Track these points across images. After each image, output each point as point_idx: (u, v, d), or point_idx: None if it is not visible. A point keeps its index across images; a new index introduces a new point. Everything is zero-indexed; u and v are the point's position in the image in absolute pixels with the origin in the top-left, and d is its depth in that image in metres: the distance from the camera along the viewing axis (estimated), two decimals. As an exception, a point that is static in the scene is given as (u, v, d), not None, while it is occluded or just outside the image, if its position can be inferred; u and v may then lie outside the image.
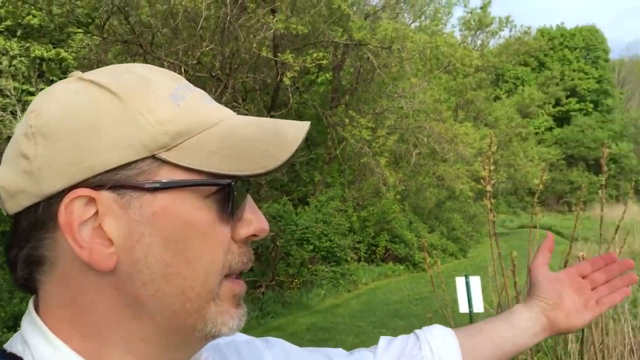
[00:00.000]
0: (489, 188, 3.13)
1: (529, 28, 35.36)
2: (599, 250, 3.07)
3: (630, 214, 4.12)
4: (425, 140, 16.58)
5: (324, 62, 11.79)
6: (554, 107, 45.12)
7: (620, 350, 3.57)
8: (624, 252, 9.31)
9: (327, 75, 15.62)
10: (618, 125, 44.96)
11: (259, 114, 12.54)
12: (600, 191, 3.14)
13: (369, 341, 4.28)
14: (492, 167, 3.22)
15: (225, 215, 0.57)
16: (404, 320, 8.80)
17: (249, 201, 0.62)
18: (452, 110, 23.22)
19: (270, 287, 10.12)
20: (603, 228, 3.69)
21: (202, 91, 0.62)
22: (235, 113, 0.64)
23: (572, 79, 45.49)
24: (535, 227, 4.61)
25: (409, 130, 16.25)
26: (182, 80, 0.62)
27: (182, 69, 9.77)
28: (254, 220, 0.61)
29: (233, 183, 0.56)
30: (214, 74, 10.57)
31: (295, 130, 0.61)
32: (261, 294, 9.75)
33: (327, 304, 10.58)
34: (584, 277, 1.02)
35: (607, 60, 49.02)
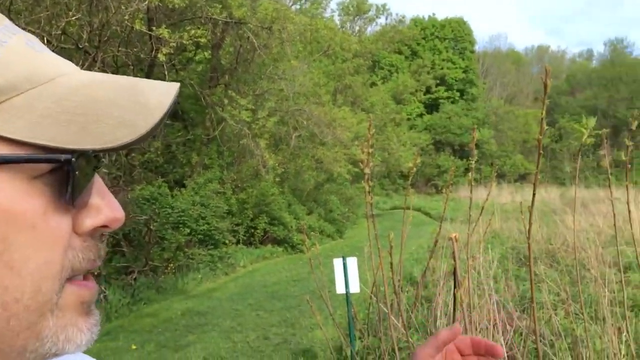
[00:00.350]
0: (367, 170, 3.15)
1: (403, 17, 36.90)
2: (468, 230, 3.20)
3: (490, 195, 4.36)
4: (305, 123, 16.71)
5: (202, 40, 11.39)
6: (424, 94, 47.50)
7: (486, 324, 3.79)
8: (489, 232, 9.97)
9: (205, 53, 15.13)
10: (481, 113, 48.32)
11: (132, 91, 11.87)
12: (469, 174, 3.26)
13: (246, 324, 4.22)
14: (370, 150, 3.24)
15: (63, 201, 0.42)
16: (282, 301, 8.83)
17: (98, 183, 0.47)
18: (331, 94, 23.60)
19: (143, 272, 9.68)
20: (467, 209, 3.85)
21: (33, 36, 0.46)
22: (79, 68, 0.50)
23: (442, 68, 48.15)
24: (408, 208, 4.76)
25: (289, 112, 16.27)
26: (5, 20, 0.45)
27: (45, 39, 8.94)
28: (103, 207, 0.46)
29: (74, 159, 0.41)
30: (81, 46, 9.81)
31: (159, 93, 0.47)
32: (133, 280, 9.30)
33: (203, 288, 10.35)
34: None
35: (472, 52, 52.42)
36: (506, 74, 62.86)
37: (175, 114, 15.66)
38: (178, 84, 0.51)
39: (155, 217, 10.37)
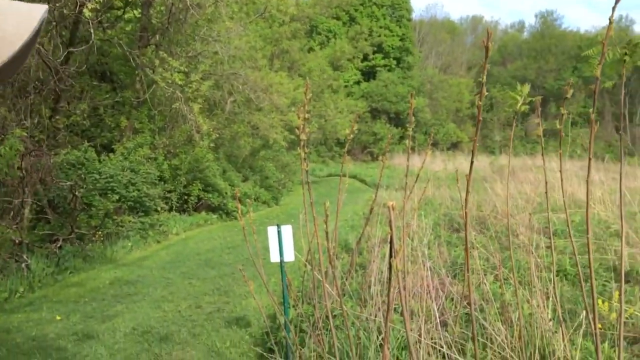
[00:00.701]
0: (303, 137, 3.03)
1: (342, -18, 36.37)
2: (403, 198, 3.16)
3: (425, 163, 4.36)
4: (241, 88, 16.34)
5: (132, -4, 10.81)
6: (362, 61, 47.51)
7: (419, 290, 3.80)
8: (423, 199, 10.11)
9: (135, 12, 14.38)
10: (416, 82, 48.91)
11: (55, 50, 11.18)
12: (406, 141, 3.19)
13: (178, 293, 4.04)
14: (306, 116, 3.13)
15: None
16: (216, 269, 8.69)
17: None
18: (268, 59, 23.20)
19: (69, 240, 9.26)
20: (402, 176, 3.82)
21: None
22: None
23: (379, 35, 48.15)
24: (344, 175, 4.69)
25: (224, 76, 15.85)
26: None
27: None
28: None
29: None
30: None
31: (19, 21, 0.36)
32: (58, 249, 8.88)
33: (134, 256, 10.05)
34: None
35: (409, 20, 52.61)
36: (441, 43, 63.64)
37: (103, 74, 14.92)
38: (46, 6, 0.38)
39: (82, 183, 9.91)
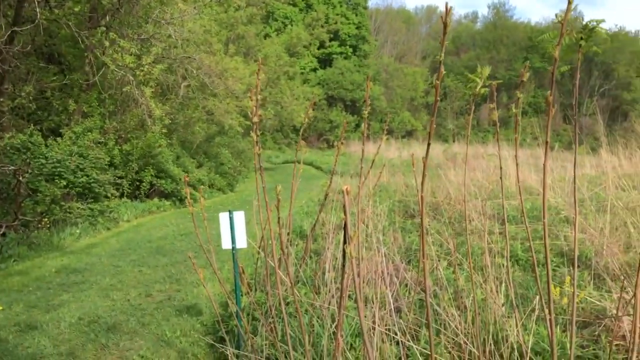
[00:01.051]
0: (255, 119, 2.94)
1: (299, -33, 36.05)
2: (359, 184, 3.11)
3: (380, 150, 4.34)
4: (195, 72, 16.01)
5: (79, -25, 10.36)
6: (318, 49, 47.36)
7: (373, 276, 3.77)
8: (378, 185, 10.12)
9: (85, -8, 13.83)
10: (372, 70, 49.12)
11: (-3, 28, 10.63)
12: (361, 128, 3.14)
13: (127, 281, 3.86)
14: (259, 98, 3.03)
15: None
16: (167, 257, 8.50)
17: None
18: (223, 43, 22.81)
19: (12, 227, 8.88)
20: (357, 163, 3.77)
21: None
22: None
23: (336, 23, 48.06)
24: (299, 162, 4.61)
25: (178, 60, 15.46)
26: None
27: None
28: None
29: None
30: None
31: None
32: (1, 236, 8.51)
33: (82, 244, 9.73)
34: None
35: (365, 8, 52.72)
36: (397, 32, 64.08)
37: (50, 56, 14.34)
38: None
39: (27, 168, 9.50)
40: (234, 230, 4.22)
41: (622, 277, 3.88)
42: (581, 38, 2.34)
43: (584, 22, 2.43)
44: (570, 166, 10.90)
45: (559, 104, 54.56)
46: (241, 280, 3.75)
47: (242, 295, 4.47)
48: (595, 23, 2.35)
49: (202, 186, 15.93)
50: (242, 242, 4.26)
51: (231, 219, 4.21)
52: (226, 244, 4.26)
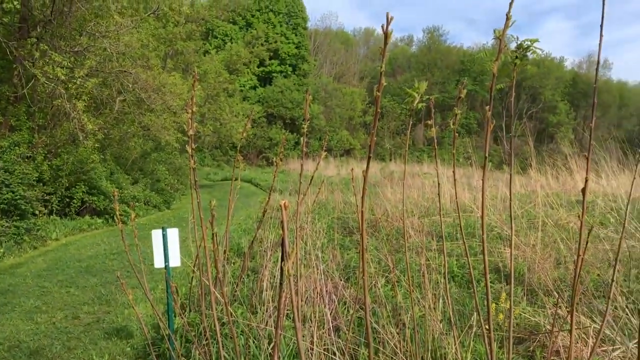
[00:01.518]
0: (191, 132, 2.85)
1: (239, -14, 36.09)
2: (297, 199, 3.06)
3: (318, 168, 4.33)
4: (131, 87, 15.60)
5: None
6: (258, 67, 47.38)
7: (311, 294, 3.71)
8: (316, 202, 10.10)
9: (14, 2, 13.28)
10: (312, 89, 49.53)
11: None
12: (300, 146, 3.11)
13: (53, 302, 3.60)
14: (196, 112, 2.95)
15: None
16: (97, 276, 8.13)
17: None
18: (161, 59, 22.44)
19: None
20: (296, 181, 3.73)
21: None
22: None
23: (276, 42, 48.34)
24: (236, 179, 4.52)
25: (113, 74, 15.03)
26: None
27: None
28: None
29: None
30: None
31: None
32: None
33: (6, 263, 9.18)
34: None
35: (305, 28, 53.28)
36: (336, 52, 65.00)
37: (-25, 67, 13.63)
38: None
39: (-55, 184, 8.93)
40: (167, 248, 4.07)
41: (556, 293, 3.98)
42: (516, 57, 2.39)
43: (519, 42, 2.49)
44: (501, 185, 11.23)
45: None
46: (174, 301, 3.61)
47: (175, 316, 4.31)
48: (529, 42, 2.41)
49: (137, 203, 15.48)
50: (175, 261, 4.10)
51: (164, 236, 4.05)
52: (159, 263, 4.09)
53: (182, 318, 3.49)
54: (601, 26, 2.13)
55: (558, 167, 12.60)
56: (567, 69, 67.44)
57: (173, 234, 4.10)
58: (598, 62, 2.15)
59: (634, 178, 2.37)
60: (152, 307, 5.25)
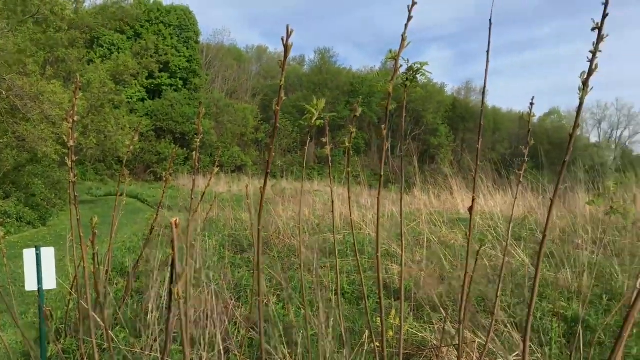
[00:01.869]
0: (71, 143, 2.64)
1: (127, -5, 34.91)
2: (188, 218, 2.93)
3: (210, 184, 4.21)
4: (5, 94, 14.50)
5: None
6: (147, 79, 45.93)
7: (201, 315, 3.57)
8: (207, 220, 9.83)
9: None
10: (203, 104, 48.74)
11: None
12: (190, 162, 2.99)
13: None
14: (77, 123, 2.75)
15: None
16: (-40, 301, 7.34)
17: None
18: (40, 65, 21.07)
19: None
20: (185, 197, 3.59)
21: None
22: None
23: (166, 54, 47.18)
24: (122, 194, 4.28)
25: (-16, 79, 13.90)
26: None
27: None
28: None
29: None
30: None
31: None
32: None
33: None
34: None
35: (197, 42, 52.52)
36: (228, 68, 64.60)
37: None
38: None
39: None
40: (40, 269, 3.73)
41: (442, 309, 4.12)
42: (407, 79, 2.46)
43: (409, 64, 2.55)
44: (387, 203, 11.58)
45: (376, 146, 58.89)
46: (48, 326, 3.31)
47: (49, 343, 3.96)
48: (419, 65, 2.48)
49: (7, 219, 14.30)
50: (51, 283, 3.77)
51: (38, 256, 3.72)
52: (31, 285, 3.74)
53: (56, 345, 3.20)
54: (487, 52, 2.24)
55: (440, 187, 13.28)
56: (448, 94, 71.88)
57: (48, 253, 3.77)
58: (485, 87, 2.25)
59: (515, 198, 2.50)
60: (21, 334, 4.81)
